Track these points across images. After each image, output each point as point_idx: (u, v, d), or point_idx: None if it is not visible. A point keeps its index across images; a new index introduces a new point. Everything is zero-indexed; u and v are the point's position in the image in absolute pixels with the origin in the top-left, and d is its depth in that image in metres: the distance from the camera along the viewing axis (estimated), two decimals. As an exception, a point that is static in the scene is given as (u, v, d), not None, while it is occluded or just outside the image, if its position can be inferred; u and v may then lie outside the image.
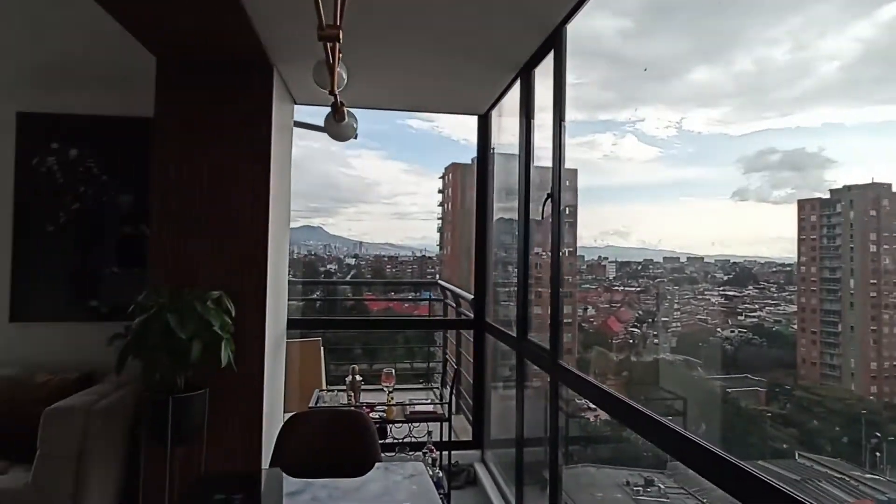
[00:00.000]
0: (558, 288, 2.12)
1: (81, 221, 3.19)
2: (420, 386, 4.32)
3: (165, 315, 2.19)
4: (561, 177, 2.15)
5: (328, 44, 1.16)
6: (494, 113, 3.46)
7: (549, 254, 2.21)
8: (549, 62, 2.36)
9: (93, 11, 2.18)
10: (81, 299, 3.16)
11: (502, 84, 3.03)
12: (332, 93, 1.17)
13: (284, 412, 3.17)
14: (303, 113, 3.66)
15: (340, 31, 1.12)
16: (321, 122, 4.21)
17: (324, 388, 3.52)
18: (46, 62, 2.90)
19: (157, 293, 2.38)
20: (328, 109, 3.71)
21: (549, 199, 2.20)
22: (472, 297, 3.37)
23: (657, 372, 3.22)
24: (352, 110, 3.88)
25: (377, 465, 1.80)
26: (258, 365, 2.63)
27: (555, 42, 2.29)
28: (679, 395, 2.92)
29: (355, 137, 2.22)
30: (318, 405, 2.91)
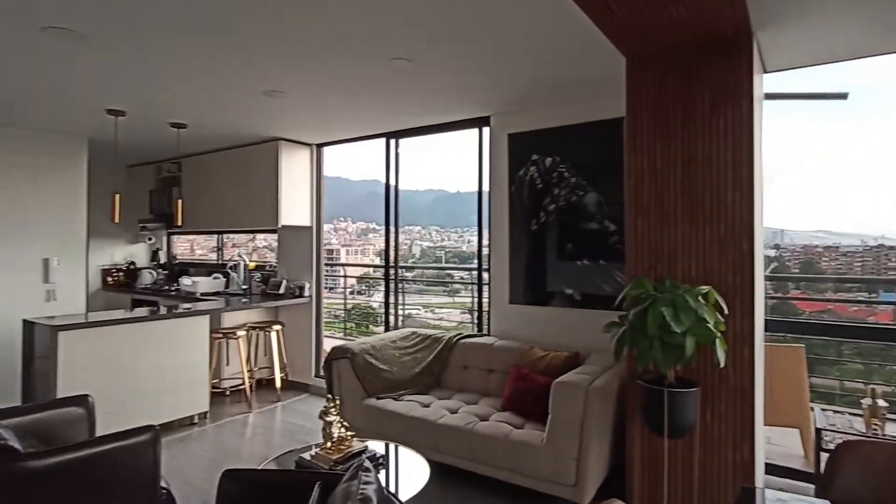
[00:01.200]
0: None
1: (556, 220, 3.67)
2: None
3: (660, 308, 2.22)
4: None
5: None
6: None
7: None
8: None
9: (560, 36, 2.41)
10: (559, 288, 3.64)
11: None
12: None
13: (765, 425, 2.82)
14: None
15: None
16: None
17: (812, 404, 2.97)
18: (526, 89, 3.44)
19: (641, 285, 2.45)
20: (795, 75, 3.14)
21: None
22: None
23: None
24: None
25: None
26: (748, 369, 2.39)
27: None
28: None
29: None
30: (829, 428, 2.44)
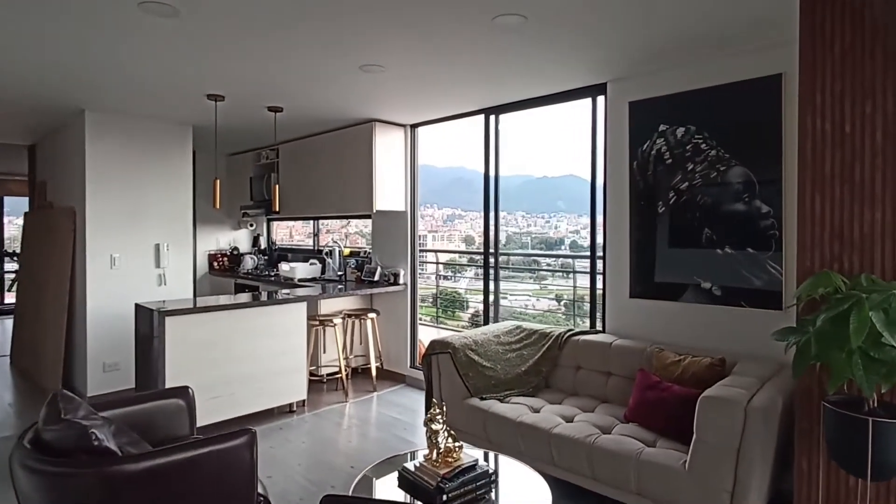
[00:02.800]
0: None
1: (689, 201, 3.12)
2: None
3: (867, 312, 1.68)
4: None
5: None
6: None
7: None
8: None
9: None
10: (693, 280, 3.11)
11: None
12: None
13: None
14: None
15: None
16: None
17: None
18: (654, 46, 2.92)
19: (827, 281, 1.91)
20: None
21: None
22: None
23: None
24: None
25: None
26: None
27: None
28: None
29: None
30: None
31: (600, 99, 3.60)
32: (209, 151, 6.38)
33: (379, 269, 5.02)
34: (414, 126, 4.94)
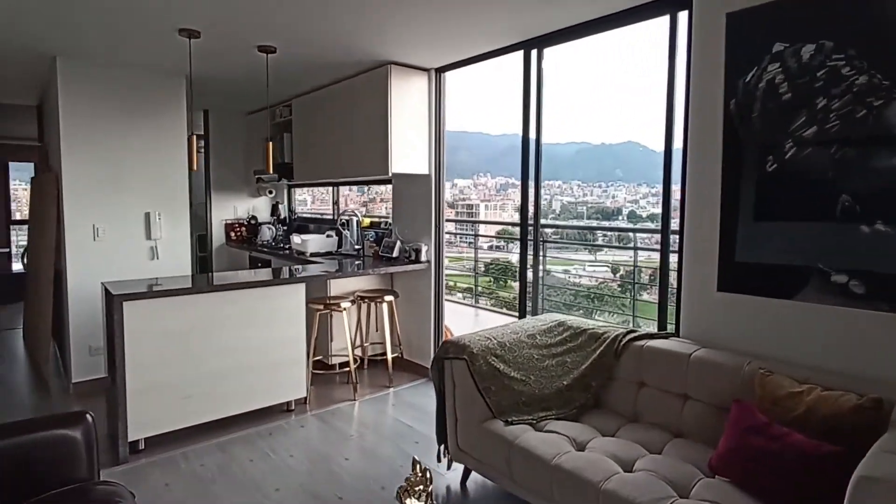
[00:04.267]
0: None
1: (816, 153, 2.13)
2: None
3: None
4: None
5: None
6: None
7: None
8: None
9: None
10: (816, 268, 2.14)
11: None
12: None
13: None
14: None
15: None
16: None
17: None
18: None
19: None
20: None
21: None
22: None
23: None
24: None
25: None
26: None
27: None
28: None
29: None
30: None
31: (682, 15, 2.61)
32: (226, 110, 5.79)
33: (398, 243, 4.26)
34: (440, 70, 4.06)
